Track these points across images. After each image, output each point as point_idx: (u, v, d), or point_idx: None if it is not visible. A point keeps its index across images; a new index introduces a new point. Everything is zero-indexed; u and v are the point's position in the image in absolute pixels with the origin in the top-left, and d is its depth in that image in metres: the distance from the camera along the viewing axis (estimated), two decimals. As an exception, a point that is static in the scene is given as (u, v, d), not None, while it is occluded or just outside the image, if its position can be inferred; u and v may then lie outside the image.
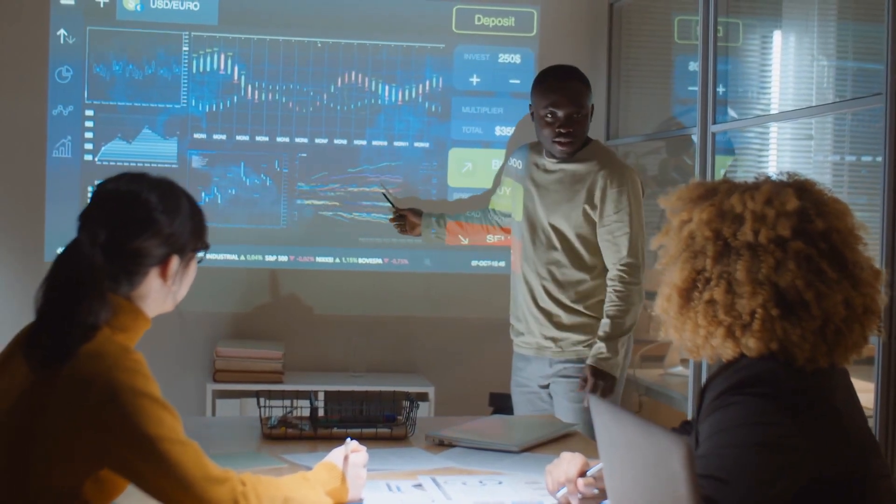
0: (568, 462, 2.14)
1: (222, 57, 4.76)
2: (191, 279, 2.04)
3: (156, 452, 1.78)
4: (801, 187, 1.89)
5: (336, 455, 2.17)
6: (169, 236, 1.93)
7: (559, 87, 3.58)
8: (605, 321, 3.53)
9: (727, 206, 1.87)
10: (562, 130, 3.56)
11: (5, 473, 1.80)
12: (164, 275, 1.95)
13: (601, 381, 3.48)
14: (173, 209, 1.94)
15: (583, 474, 2.11)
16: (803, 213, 1.83)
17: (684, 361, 4.53)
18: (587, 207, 3.58)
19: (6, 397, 1.85)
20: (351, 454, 2.17)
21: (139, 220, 1.91)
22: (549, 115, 3.57)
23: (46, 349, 1.82)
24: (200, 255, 2.03)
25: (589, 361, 3.51)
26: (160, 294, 1.97)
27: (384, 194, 4.30)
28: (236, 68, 4.77)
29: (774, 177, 1.94)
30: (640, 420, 1.57)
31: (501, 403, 4.28)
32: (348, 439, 2.22)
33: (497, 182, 4.33)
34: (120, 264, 1.90)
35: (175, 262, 1.96)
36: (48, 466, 1.78)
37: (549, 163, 3.68)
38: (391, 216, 4.21)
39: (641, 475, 1.60)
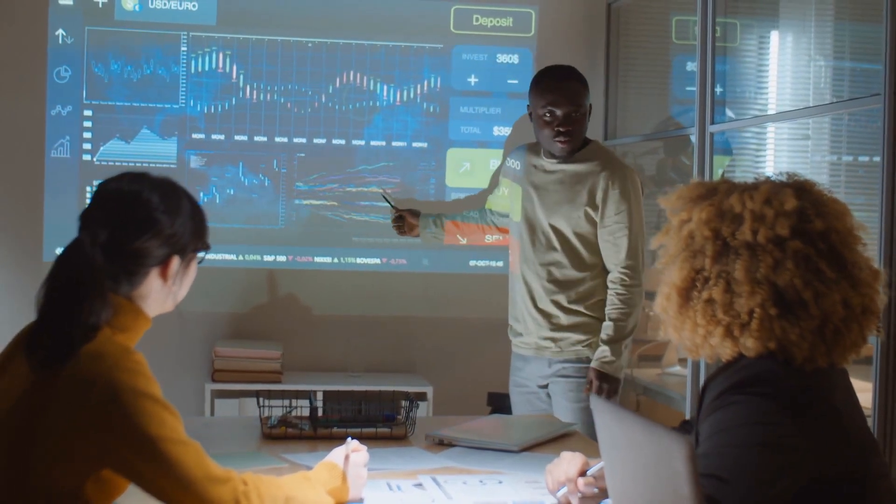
0: (568, 461, 2.15)
1: (221, 57, 4.76)
2: (191, 279, 2.03)
3: (157, 453, 1.78)
4: (800, 187, 1.90)
5: (337, 454, 2.18)
6: (170, 237, 1.93)
7: (557, 87, 3.58)
8: (607, 324, 3.54)
9: (726, 206, 1.88)
10: (560, 129, 3.57)
11: (6, 474, 1.80)
12: (164, 275, 1.95)
13: (605, 384, 3.50)
14: (174, 209, 1.94)
15: (583, 474, 2.12)
16: (802, 213, 1.84)
17: (682, 361, 4.53)
18: (588, 208, 3.58)
19: (7, 397, 1.85)
20: (352, 453, 2.18)
21: (140, 221, 1.90)
22: (548, 115, 3.58)
23: (47, 349, 1.82)
24: (201, 255, 2.03)
25: (593, 365, 3.52)
26: (161, 294, 1.97)
27: (384, 196, 4.29)
28: (235, 68, 4.77)
29: (774, 177, 1.95)
30: (642, 419, 1.58)
31: (499, 403, 4.29)
32: (349, 438, 2.22)
33: (494, 182, 4.33)
34: (120, 264, 1.90)
35: (176, 262, 1.96)
36: (49, 467, 1.78)
37: (549, 163, 3.68)
38: (391, 218, 4.20)
39: (643, 474, 1.60)
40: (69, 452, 1.77)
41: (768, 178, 1.94)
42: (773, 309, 1.79)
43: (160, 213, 1.92)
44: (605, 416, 1.71)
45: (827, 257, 1.82)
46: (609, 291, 3.58)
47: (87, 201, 1.96)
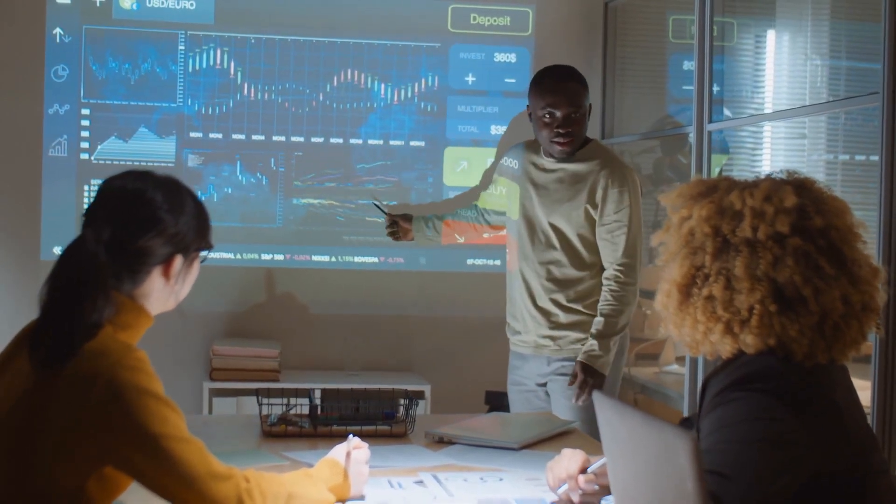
0: (569, 458, 2.16)
1: (218, 56, 4.76)
2: (193, 278, 2.03)
3: (160, 450, 1.78)
4: (800, 185, 1.90)
5: (338, 452, 2.18)
6: (173, 235, 1.92)
7: (557, 88, 3.58)
8: (598, 319, 3.54)
9: (726, 203, 1.88)
10: (560, 131, 3.57)
11: (7, 472, 1.80)
12: (166, 274, 1.94)
13: (591, 378, 3.49)
14: (178, 208, 1.94)
15: (584, 471, 2.12)
16: (802, 210, 1.85)
17: (679, 359, 4.54)
18: (588, 207, 3.58)
19: (8, 396, 1.84)
20: (353, 451, 2.18)
21: (144, 219, 1.90)
22: (547, 116, 3.58)
23: (49, 348, 1.81)
24: (204, 254, 2.02)
25: (580, 358, 3.52)
26: (163, 293, 1.97)
27: (375, 205, 4.26)
28: (232, 66, 4.77)
29: (774, 175, 1.95)
30: (645, 415, 1.58)
31: (497, 402, 4.30)
32: (350, 436, 2.23)
33: (487, 180, 4.32)
34: (123, 262, 1.89)
35: (178, 261, 1.95)
36: (51, 465, 1.77)
37: (549, 162, 3.68)
38: (386, 225, 4.18)
39: (645, 470, 1.60)
40: (71, 450, 1.77)
41: (768, 175, 1.95)
42: (772, 305, 1.80)
43: (164, 211, 1.91)
44: (608, 412, 1.71)
45: (826, 254, 1.83)
46: (603, 288, 3.58)
47: (85, 200, 1.96)
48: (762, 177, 1.95)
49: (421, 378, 4.72)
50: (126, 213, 1.90)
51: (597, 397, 1.77)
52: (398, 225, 4.13)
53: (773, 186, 1.88)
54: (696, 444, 1.41)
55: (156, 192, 1.92)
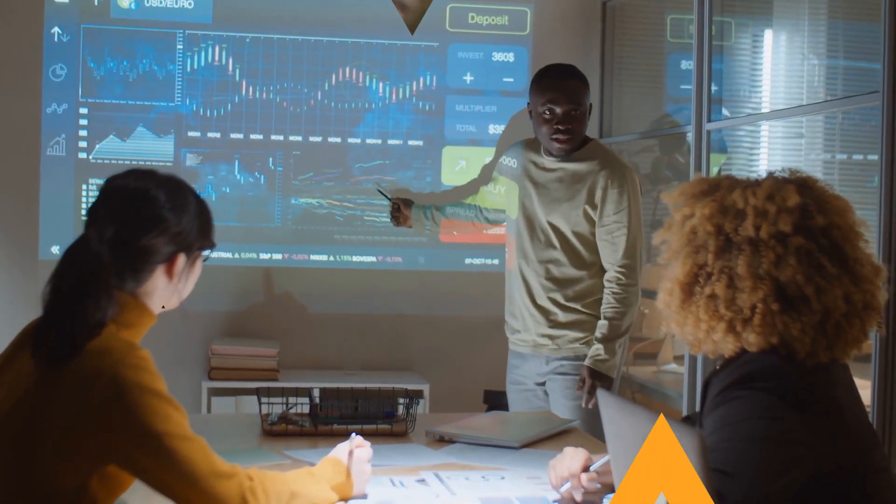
0: (571, 457, 2.16)
1: (217, 55, 4.76)
2: (196, 277, 2.03)
3: (163, 448, 1.78)
4: (802, 184, 1.91)
5: (340, 450, 2.18)
6: (176, 234, 1.92)
7: (557, 85, 3.59)
8: (602, 323, 3.55)
9: (729, 202, 1.89)
10: (560, 127, 3.58)
11: (10, 471, 1.79)
12: (169, 272, 1.94)
13: (598, 381, 3.50)
14: (181, 207, 1.94)
15: (586, 469, 2.13)
16: (804, 209, 1.85)
17: (678, 359, 4.55)
18: (587, 207, 3.59)
19: (10, 395, 1.84)
20: (355, 449, 2.18)
21: (147, 218, 1.90)
22: (547, 112, 3.58)
23: (52, 347, 1.81)
24: (206, 253, 2.02)
25: (587, 363, 3.53)
26: (165, 292, 1.97)
27: (379, 190, 4.31)
28: (230, 66, 4.77)
29: (776, 173, 1.96)
30: (651, 412, 1.58)
31: (496, 401, 4.30)
32: (353, 434, 2.23)
33: (486, 176, 4.33)
34: (126, 261, 1.89)
35: (181, 260, 1.95)
36: (53, 464, 1.77)
37: (548, 161, 3.68)
38: (390, 210, 4.20)
39: (650, 468, 1.61)
40: (74, 449, 1.77)
41: (771, 174, 1.95)
42: (775, 304, 1.80)
43: (167, 210, 1.91)
44: (612, 410, 1.71)
45: (828, 253, 1.83)
46: (605, 290, 3.58)
47: (83, 199, 1.95)
48: (764, 175, 1.96)
49: (420, 377, 4.72)
50: (129, 211, 1.90)
51: (601, 395, 1.78)
52: (399, 210, 4.15)
53: (775, 185, 1.89)
54: (703, 440, 1.42)
55: (159, 191, 1.92)
